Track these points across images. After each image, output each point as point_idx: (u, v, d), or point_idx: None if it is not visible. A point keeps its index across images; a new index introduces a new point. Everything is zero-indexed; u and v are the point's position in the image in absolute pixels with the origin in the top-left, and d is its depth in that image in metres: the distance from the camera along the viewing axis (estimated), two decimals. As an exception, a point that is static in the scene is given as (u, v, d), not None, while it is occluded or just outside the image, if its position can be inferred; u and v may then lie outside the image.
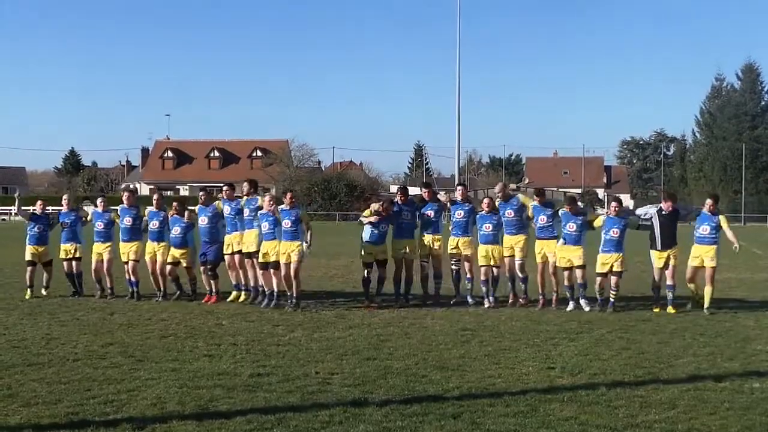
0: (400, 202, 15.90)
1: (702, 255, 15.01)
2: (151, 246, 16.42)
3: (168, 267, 16.24)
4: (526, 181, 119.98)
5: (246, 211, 15.78)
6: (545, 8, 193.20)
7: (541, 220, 15.32)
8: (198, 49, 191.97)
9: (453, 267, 15.86)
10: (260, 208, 15.47)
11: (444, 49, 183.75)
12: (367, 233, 15.63)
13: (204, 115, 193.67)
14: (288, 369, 9.73)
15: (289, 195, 15.42)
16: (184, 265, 16.27)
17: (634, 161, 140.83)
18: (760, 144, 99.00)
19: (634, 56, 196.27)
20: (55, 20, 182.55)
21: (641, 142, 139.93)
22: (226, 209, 16.03)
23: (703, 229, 15.06)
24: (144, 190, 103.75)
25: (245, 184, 16.33)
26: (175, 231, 16.19)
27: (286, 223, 15.01)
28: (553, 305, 15.11)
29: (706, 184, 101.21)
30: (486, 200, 15.71)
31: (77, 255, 16.96)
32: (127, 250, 16.55)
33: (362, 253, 15.70)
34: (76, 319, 13.66)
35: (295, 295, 15.05)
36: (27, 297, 16.40)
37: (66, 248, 16.96)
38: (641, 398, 8.38)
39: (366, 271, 15.62)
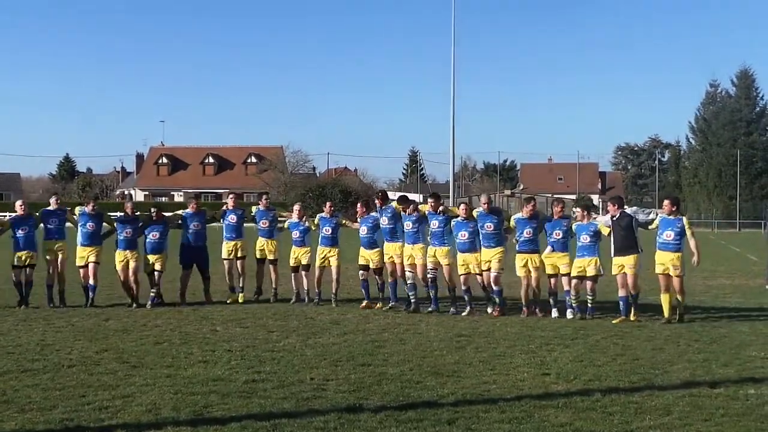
0: (379, 206, 16.28)
1: (666, 263, 14.31)
2: (122, 254, 16.36)
3: (155, 274, 16.45)
4: (521, 187, 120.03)
5: (265, 222, 17.19)
6: (539, 14, 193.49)
7: (527, 233, 15.15)
8: (192, 55, 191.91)
9: (429, 276, 15.64)
10: (275, 218, 17.26)
11: (439, 55, 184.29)
12: (360, 238, 16.44)
13: (198, 121, 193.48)
14: (283, 375, 9.73)
15: (328, 205, 17.04)
16: (158, 268, 16.37)
17: (629, 167, 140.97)
18: (755, 150, 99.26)
19: (628, 62, 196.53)
20: (49, 26, 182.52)
21: (636, 148, 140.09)
22: (232, 218, 17.18)
23: (667, 235, 14.36)
24: (139, 196, 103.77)
25: (264, 197, 17.96)
26: (154, 236, 16.46)
27: (327, 230, 16.56)
28: (538, 314, 15.00)
29: (701, 190, 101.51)
30: (462, 206, 15.67)
31: (32, 263, 16.36)
32: (86, 253, 16.34)
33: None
34: (71, 325, 13.64)
35: (334, 292, 16.45)
36: None
37: (20, 255, 16.30)
38: (636, 404, 8.39)
39: (360, 273, 16.43)
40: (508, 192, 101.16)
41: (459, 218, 15.42)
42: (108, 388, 9.01)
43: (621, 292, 14.59)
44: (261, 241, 17.22)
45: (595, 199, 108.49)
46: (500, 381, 9.51)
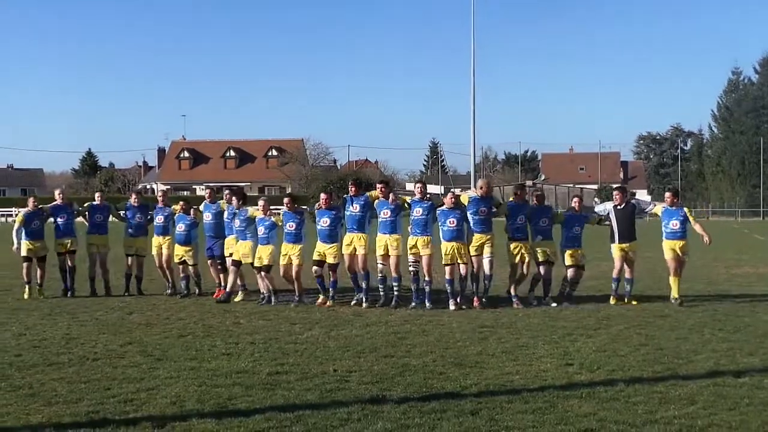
0: (351, 195, 15.34)
1: (675, 249, 15.20)
2: (156, 240, 17.19)
3: (180, 267, 16.94)
4: (543, 177, 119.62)
5: (237, 222, 15.87)
6: (560, 3, 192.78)
7: (520, 220, 15.32)
8: (212, 50, 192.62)
9: (411, 269, 14.97)
10: (251, 219, 15.64)
11: (459, 45, 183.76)
12: (317, 230, 15.44)
13: (219, 115, 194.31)
14: (306, 367, 9.76)
15: (287, 200, 15.81)
16: (189, 262, 16.83)
17: (651, 156, 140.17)
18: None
19: (650, 50, 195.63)
20: (71, 22, 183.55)
21: (658, 137, 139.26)
22: (236, 222, 16.27)
23: (673, 224, 15.23)
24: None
25: (233, 198, 16.30)
26: (180, 228, 16.89)
27: (291, 226, 15.35)
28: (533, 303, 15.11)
29: (724, 178, 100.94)
30: (449, 195, 15.32)
31: (72, 248, 17.20)
32: (133, 244, 17.37)
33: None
34: (95, 319, 13.74)
35: (298, 294, 15.47)
36: (25, 296, 16.53)
37: (62, 242, 17.15)
38: (660, 394, 8.35)
39: (314, 270, 15.35)
40: (529, 182, 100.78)
41: (444, 207, 14.96)
42: (133, 381, 9.06)
43: (615, 274, 15.41)
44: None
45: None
46: (523, 371, 9.49)
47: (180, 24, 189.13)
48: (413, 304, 14.86)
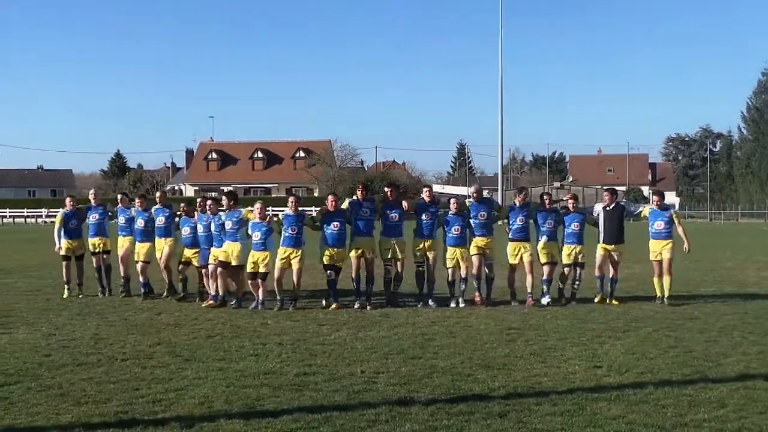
0: (360, 198, 15.44)
1: (659, 249, 15.62)
2: (158, 242, 16.78)
3: (180, 266, 16.48)
4: (570, 179, 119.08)
5: (228, 224, 15.38)
6: (587, 4, 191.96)
7: (520, 221, 15.58)
8: (241, 50, 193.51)
9: (419, 269, 15.46)
10: (243, 220, 15.23)
11: (486, 46, 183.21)
12: (326, 234, 15.24)
13: (247, 116, 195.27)
14: (334, 368, 9.77)
15: (291, 200, 15.50)
16: (196, 264, 16.33)
17: (680, 158, 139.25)
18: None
19: (678, 51, 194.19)
20: (98, 24, 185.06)
21: (687, 139, 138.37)
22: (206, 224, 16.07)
23: (658, 225, 15.67)
24: (189, 191, 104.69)
25: (224, 198, 16.07)
26: (185, 231, 16.46)
27: (293, 230, 15.03)
28: (528, 305, 15.19)
29: (754, 180, 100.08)
30: (452, 201, 15.82)
31: (105, 249, 17.33)
32: (140, 250, 16.96)
33: (321, 255, 15.31)
34: (124, 320, 13.83)
35: (294, 298, 15.23)
36: (65, 296, 16.77)
37: (93, 242, 17.30)
38: (689, 397, 8.29)
39: (328, 272, 15.19)
40: (557, 184, 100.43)
41: (450, 212, 15.47)
42: (161, 381, 9.11)
43: (597, 272, 15.73)
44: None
45: (645, 190, 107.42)
46: (551, 374, 9.46)
47: (209, 25, 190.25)
48: (420, 303, 15.25)
